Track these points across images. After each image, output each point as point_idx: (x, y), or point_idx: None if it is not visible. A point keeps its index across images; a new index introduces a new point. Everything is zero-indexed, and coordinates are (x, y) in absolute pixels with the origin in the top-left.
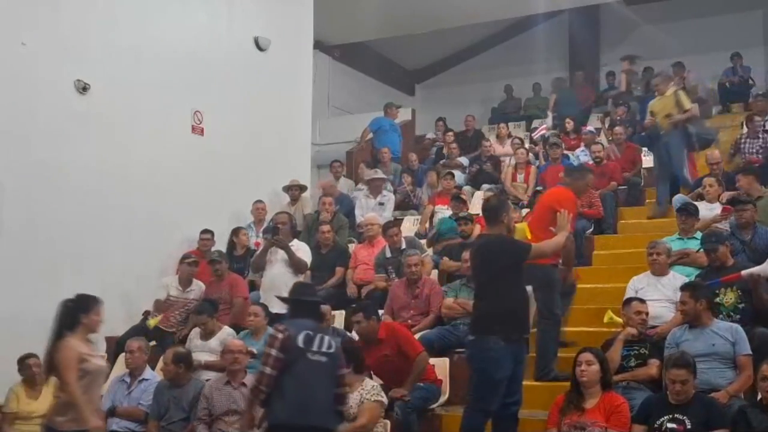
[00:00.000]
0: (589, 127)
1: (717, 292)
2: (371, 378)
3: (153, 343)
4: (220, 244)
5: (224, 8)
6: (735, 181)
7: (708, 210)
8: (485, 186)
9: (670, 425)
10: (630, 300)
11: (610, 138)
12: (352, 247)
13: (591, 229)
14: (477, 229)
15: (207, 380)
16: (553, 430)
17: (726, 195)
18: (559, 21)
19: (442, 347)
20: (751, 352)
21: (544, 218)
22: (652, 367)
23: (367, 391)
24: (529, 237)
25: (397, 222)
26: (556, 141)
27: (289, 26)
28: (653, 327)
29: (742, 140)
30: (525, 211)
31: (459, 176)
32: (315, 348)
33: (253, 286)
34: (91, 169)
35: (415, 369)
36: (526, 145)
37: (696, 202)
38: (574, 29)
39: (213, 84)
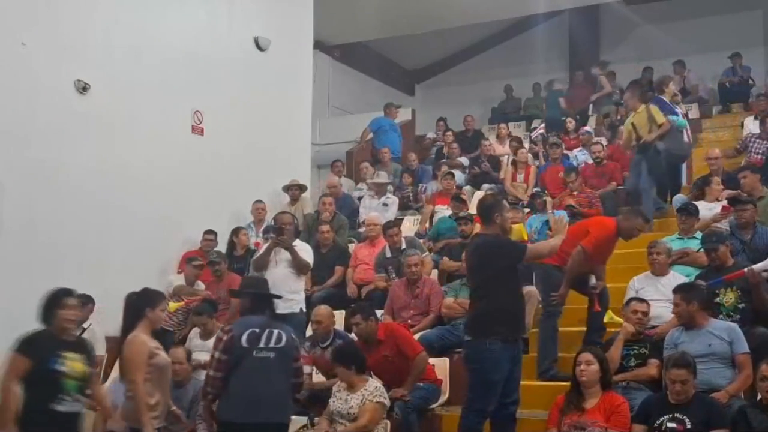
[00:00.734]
0: (587, 128)
1: (717, 292)
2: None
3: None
4: (221, 244)
5: (224, 8)
6: (736, 180)
7: (707, 210)
8: (485, 186)
9: (670, 425)
10: (630, 300)
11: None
12: (352, 246)
13: None
14: (477, 229)
15: None
16: (553, 430)
17: (726, 194)
18: (559, 21)
19: (442, 347)
20: (749, 351)
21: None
22: (652, 367)
23: (369, 392)
24: (525, 238)
25: (397, 222)
26: (556, 141)
27: (289, 26)
28: (653, 327)
29: (751, 140)
30: (526, 210)
31: (459, 176)
32: (262, 345)
33: None
34: (91, 168)
35: (414, 369)
36: (526, 145)
37: (695, 202)
38: (574, 29)
39: (213, 84)
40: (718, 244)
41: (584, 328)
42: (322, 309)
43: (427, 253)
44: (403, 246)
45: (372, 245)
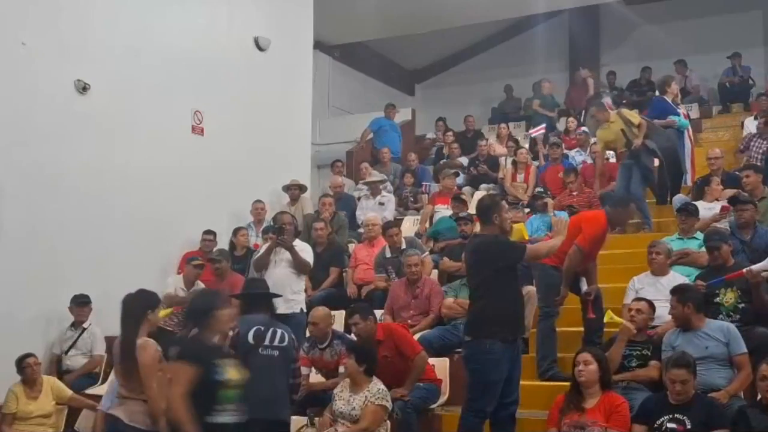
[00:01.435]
0: (584, 128)
1: (717, 292)
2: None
3: None
4: (221, 245)
5: (224, 8)
6: (736, 180)
7: (707, 210)
8: (484, 186)
9: (670, 425)
10: (633, 299)
11: None
12: (352, 247)
13: None
14: (477, 229)
15: None
16: (553, 430)
17: (726, 193)
18: (559, 21)
19: (441, 347)
20: (746, 351)
21: (572, 236)
22: (653, 368)
23: (372, 394)
24: (526, 237)
25: (397, 222)
26: (556, 141)
27: (289, 26)
28: (653, 327)
29: (752, 140)
30: (526, 211)
31: (459, 176)
32: (267, 342)
33: None
34: (91, 168)
35: (414, 369)
36: (525, 146)
37: (695, 202)
38: (574, 29)
39: (213, 84)
40: (720, 243)
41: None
42: (320, 311)
43: (427, 252)
44: (403, 246)
45: (372, 245)
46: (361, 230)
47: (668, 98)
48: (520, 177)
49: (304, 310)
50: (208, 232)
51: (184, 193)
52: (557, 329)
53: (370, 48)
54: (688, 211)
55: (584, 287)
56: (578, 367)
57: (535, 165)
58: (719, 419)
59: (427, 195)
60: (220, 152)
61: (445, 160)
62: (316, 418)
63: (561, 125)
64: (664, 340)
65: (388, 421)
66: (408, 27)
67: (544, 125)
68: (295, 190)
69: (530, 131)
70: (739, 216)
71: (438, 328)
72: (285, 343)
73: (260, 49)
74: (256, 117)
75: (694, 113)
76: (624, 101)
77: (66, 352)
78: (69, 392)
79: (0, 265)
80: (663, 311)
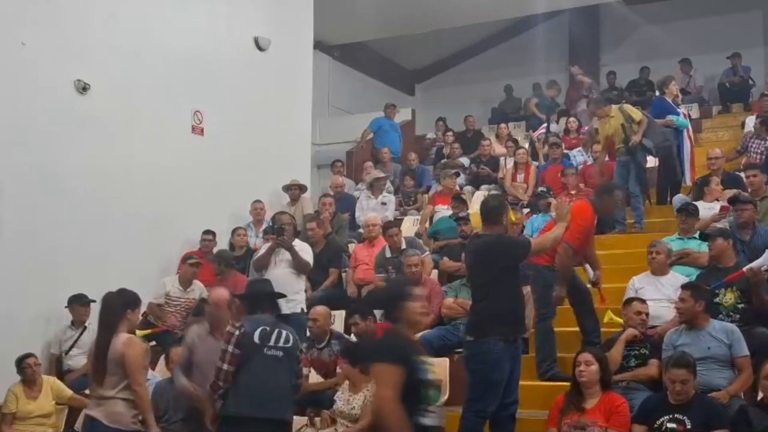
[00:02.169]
0: (586, 128)
1: (716, 292)
2: None
3: (153, 343)
4: (221, 245)
5: (224, 8)
6: (736, 180)
7: (707, 210)
8: (484, 186)
9: (670, 425)
10: (630, 300)
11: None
12: (352, 247)
13: None
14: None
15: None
16: (553, 430)
17: (726, 193)
18: (559, 21)
19: (441, 347)
20: (748, 353)
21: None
22: (652, 367)
23: (372, 393)
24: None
25: (397, 222)
26: (557, 141)
27: (289, 26)
28: (653, 327)
29: (751, 140)
30: (525, 211)
31: (460, 176)
32: (272, 343)
33: None
34: (91, 168)
35: None
36: (525, 146)
37: (694, 202)
38: (574, 29)
39: (213, 84)
40: (717, 237)
41: None
42: (320, 308)
43: (427, 252)
44: (403, 246)
45: (371, 245)
46: (361, 230)
47: (668, 98)
48: (520, 177)
49: (305, 310)
50: (207, 232)
51: (184, 193)
52: (557, 329)
53: (370, 48)
54: (688, 211)
55: (591, 275)
56: (579, 367)
57: (535, 165)
58: (719, 419)
59: (426, 196)
60: (220, 152)
61: (445, 160)
62: (316, 418)
63: (561, 126)
64: (665, 339)
65: None
66: (408, 27)
67: (545, 125)
68: (295, 190)
69: (533, 132)
70: (738, 216)
71: (438, 328)
72: (290, 344)
73: (260, 49)
74: (255, 117)
75: (695, 113)
76: (624, 101)
77: (67, 352)
78: (69, 392)
79: (0, 265)
80: (663, 311)
